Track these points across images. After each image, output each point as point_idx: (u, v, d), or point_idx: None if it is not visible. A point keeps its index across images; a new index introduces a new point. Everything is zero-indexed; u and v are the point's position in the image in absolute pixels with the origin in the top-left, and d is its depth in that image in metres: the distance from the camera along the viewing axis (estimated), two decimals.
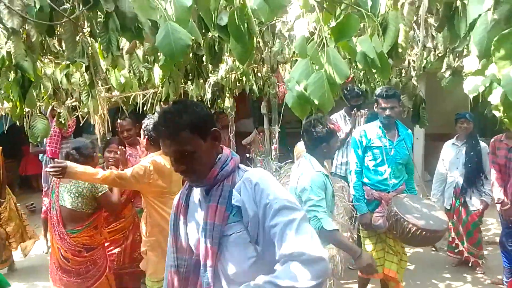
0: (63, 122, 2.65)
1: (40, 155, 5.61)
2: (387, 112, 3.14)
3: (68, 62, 2.05)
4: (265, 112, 4.19)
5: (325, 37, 1.17)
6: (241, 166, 1.50)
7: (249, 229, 1.37)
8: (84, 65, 2.17)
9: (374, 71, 1.34)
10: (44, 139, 5.20)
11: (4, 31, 1.41)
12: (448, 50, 2.16)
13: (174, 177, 2.95)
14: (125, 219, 3.44)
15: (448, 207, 4.38)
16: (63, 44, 1.74)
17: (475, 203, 4.19)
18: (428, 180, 7.79)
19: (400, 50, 1.47)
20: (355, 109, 4.27)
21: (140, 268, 3.25)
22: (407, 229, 2.83)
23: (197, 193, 1.52)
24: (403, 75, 3.22)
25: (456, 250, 4.41)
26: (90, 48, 2.07)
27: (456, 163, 4.33)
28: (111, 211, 3.19)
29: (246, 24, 1.56)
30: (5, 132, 5.35)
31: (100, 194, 2.95)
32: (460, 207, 4.30)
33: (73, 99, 2.85)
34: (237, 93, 3.96)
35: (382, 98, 3.15)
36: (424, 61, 3.33)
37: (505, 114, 1.48)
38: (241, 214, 1.37)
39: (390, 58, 1.48)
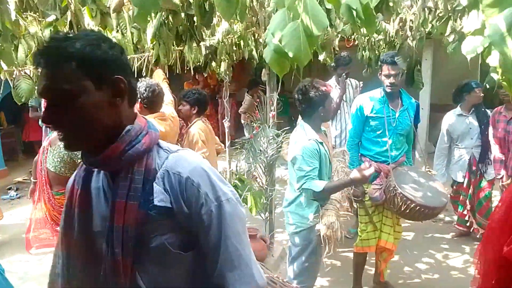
0: None
1: (40, 120, 5.59)
2: (391, 79, 2.96)
3: (49, 20, 1.96)
4: (265, 79, 4.08)
5: None
6: (163, 143, 1.08)
7: (181, 232, 1.01)
8: (68, 24, 2.10)
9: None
10: (43, 103, 5.18)
11: None
12: (449, 10, 2.03)
13: (170, 140, 2.95)
14: None
15: (461, 180, 4.29)
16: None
17: (490, 172, 4.11)
18: (433, 151, 7.72)
19: (391, 3, 1.37)
20: (343, 75, 4.16)
21: None
22: (405, 205, 2.77)
23: (100, 176, 1.07)
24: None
25: (467, 224, 4.36)
26: (72, 5, 1.99)
27: (470, 133, 4.19)
28: None
29: None
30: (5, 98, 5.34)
31: (79, 160, 2.93)
32: (477, 178, 4.19)
33: None
34: (235, 59, 3.86)
35: (386, 64, 2.95)
36: (430, 26, 3.20)
37: (503, 77, 1.40)
38: (168, 214, 0.99)
39: (380, 12, 1.38)
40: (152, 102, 2.95)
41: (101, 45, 0.95)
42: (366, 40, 4.25)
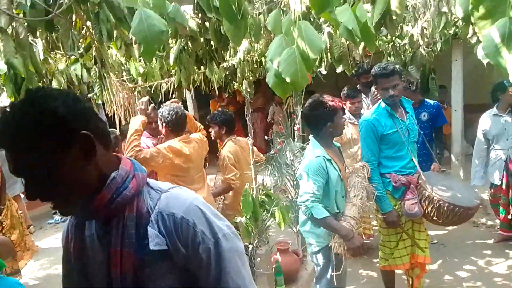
0: None
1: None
2: (390, 92, 2.79)
3: (75, 57, 2.10)
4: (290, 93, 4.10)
5: (300, 10, 1.12)
6: (153, 183, 1.05)
7: (181, 273, 0.99)
8: (93, 59, 2.24)
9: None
10: None
11: None
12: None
13: (195, 163, 3.05)
14: None
15: (498, 182, 4.13)
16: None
17: None
18: (471, 153, 7.41)
19: (394, 17, 1.37)
20: (372, 87, 4.09)
21: None
22: (441, 208, 2.71)
23: (92, 223, 1.04)
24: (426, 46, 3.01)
25: (511, 228, 4.18)
26: (95, 41, 2.13)
27: (505, 133, 4.05)
28: None
29: (237, 4, 1.54)
30: None
31: None
32: None
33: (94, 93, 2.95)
34: (258, 76, 3.93)
35: (382, 77, 2.79)
36: (453, 28, 3.13)
37: None
38: (165, 256, 0.96)
39: (383, 27, 1.39)
40: (176, 125, 3.06)
41: (51, 105, 0.89)
42: (390, 46, 4.18)
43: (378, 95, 4.32)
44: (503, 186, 4.11)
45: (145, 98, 3.02)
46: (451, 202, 2.71)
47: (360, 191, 2.57)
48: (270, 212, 3.10)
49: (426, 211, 2.81)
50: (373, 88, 4.43)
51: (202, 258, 0.97)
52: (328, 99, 2.54)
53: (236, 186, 3.50)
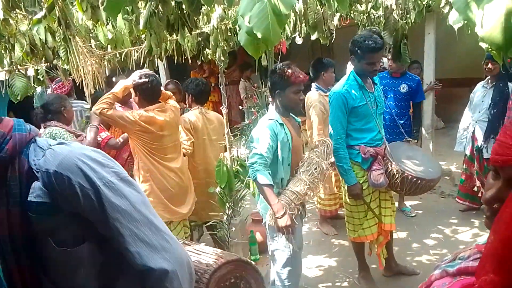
0: (41, 79, 2.63)
1: None
2: (375, 66, 2.78)
3: (38, 17, 1.98)
4: (266, 64, 4.07)
5: None
6: (40, 141, 1.03)
7: (72, 228, 0.99)
8: (56, 20, 2.11)
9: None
10: None
11: None
12: None
13: (170, 130, 3.02)
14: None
15: (468, 153, 4.24)
16: None
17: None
18: (441, 127, 7.61)
19: None
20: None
21: None
22: (404, 180, 2.83)
23: None
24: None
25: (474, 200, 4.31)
26: (59, 1, 2.01)
27: (480, 106, 4.09)
28: None
29: None
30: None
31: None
32: (479, 153, 4.10)
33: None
34: (232, 45, 3.84)
35: (370, 52, 2.67)
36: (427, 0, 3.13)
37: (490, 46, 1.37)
38: (50, 211, 0.96)
39: None
40: (150, 93, 2.96)
41: None
42: (365, 17, 4.16)
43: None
44: (467, 158, 4.24)
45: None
46: (413, 174, 2.83)
47: (312, 167, 2.50)
48: (244, 182, 3.11)
49: (391, 182, 2.90)
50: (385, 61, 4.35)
51: (87, 210, 0.97)
52: (288, 68, 2.46)
53: (187, 152, 3.42)
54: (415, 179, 2.81)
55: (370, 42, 2.64)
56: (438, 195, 4.93)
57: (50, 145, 1.01)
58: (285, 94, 2.48)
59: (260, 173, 2.38)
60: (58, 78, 3.77)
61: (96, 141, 3.13)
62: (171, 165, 3.05)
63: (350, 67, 4.43)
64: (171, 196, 3.04)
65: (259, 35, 1.05)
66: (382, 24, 4.42)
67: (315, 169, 2.48)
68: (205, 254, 1.45)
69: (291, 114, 2.65)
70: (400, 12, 2.02)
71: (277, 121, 2.49)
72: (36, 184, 0.96)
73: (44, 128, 3.05)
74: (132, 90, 2.98)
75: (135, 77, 2.96)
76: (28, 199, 0.95)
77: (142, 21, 2.52)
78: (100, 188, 0.97)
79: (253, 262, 1.45)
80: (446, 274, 0.86)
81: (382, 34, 2.21)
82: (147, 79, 2.90)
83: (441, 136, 6.63)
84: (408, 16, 3.35)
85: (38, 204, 0.95)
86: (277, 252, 2.60)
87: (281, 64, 2.49)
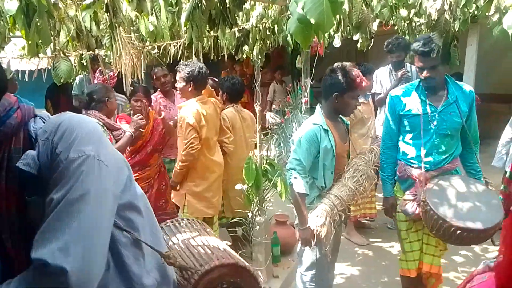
0: (85, 64, 2.70)
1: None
2: (425, 73, 2.43)
3: (87, 2, 2.04)
4: (300, 66, 4.05)
5: None
6: (44, 113, 1.01)
7: None
8: (104, 7, 2.17)
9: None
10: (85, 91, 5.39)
11: None
12: None
13: (209, 125, 3.16)
14: (151, 168, 3.51)
15: (509, 171, 4.04)
16: None
17: None
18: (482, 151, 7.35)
19: None
20: (403, 67, 3.99)
21: (165, 217, 3.43)
22: (439, 225, 2.25)
23: None
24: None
25: None
26: None
27: None
28: None
29: None
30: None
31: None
32: None
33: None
34: (269, 45, 3.85)
35: (418, 55, 2.43)
36: (474, 7, 3.03)
37: None
38: (39, 187, 0.91)
39: None
40: (199, 82, 3.11)
41: None
42: (406, 24, 4.09)
43: (406, 73, 4.19)
44: (507, 176, 4.06)
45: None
46: (456, 224, 2.20)
47: (358, 174, 2.42)
48: (272, 181, 3.09)
49: (426, 221, 2.39)
50: (409, 66, 4.28)
51: (54, 180, 0.89)
52: (354, 71, 2.36)
53: (228, 150, 3.47)
54: (453, 228, 2.20)
55: (419, 44, 2.41)
56: None
57: (53, 116, 0.99)
58: (343, 97, 2.38)
59: (297, 180, 2.34)
60: (100, 68, 3.87)
61: (126, 148, 3.23)
62: (215, 158, 3.19)
63: (379, 73, 4.37)
64: (213, 190, 3.21)
65: (313, 21, 1.03)
66: (423, 33, 4.36)
67: (361, 176, 2.41)
68: (203, 253, 1.36)
69: (340, 116, 2.56)
70: (449, 11, 1.97)
71: (321, 126, 2.41)
72: (30, 152, 0.91)
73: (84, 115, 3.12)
74: (182, 80, 3.13)
75: (187, 68, 3.11)
76: (17, 164, 0.89)
77: (185, 14, 2.56)
78: (73, 160, 0.89)
79: (252, 269, 1.33)
80: (488, 269, 0.88)
81: (431, 35, 2.14)
82: (200, 68, 3.07)
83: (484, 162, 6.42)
84: (452, 24, 3.26)
85: (25, 173, 0.89)
86: (304, 254, 2.56)
87: (344, 64, 2.39)
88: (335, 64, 2.43)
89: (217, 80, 4.18)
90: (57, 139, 0.90)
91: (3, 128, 0.91)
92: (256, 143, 3.17)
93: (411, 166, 2.55)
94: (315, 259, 2.49)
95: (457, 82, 2.55)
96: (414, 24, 3.97)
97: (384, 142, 2.69)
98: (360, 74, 2.41)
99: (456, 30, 3.35)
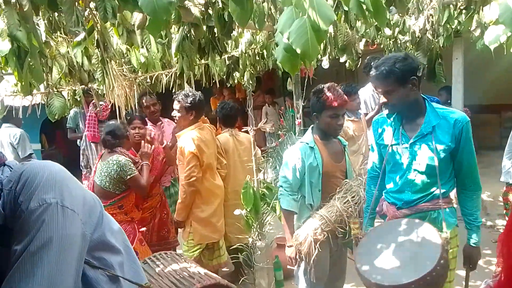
0: (78, 99, 2.73)
1: (78, 141, 5.79)
2: (382, 98, 2.12)
3: (78, 39, 2.08)
4: (291, 88, 4.11)
5: None
6: (12, 163, 1.00)
7: None
8: (95, 42, 2.21)
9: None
10: (81, 125, 5.40)
11: None
12: (470, 1, 1.98)
13: (210, 150, 3.24)
14: (153, 197, 3.50)
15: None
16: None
17: None
18: None
19: None
20: (373, 92, 4.06)
21: (167, 246, 3.41)
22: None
23: None
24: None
25: None
26: (98, 24, 2.10)
27: None
28: (140, 193, 3.25)
29: None
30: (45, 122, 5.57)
31: (128, 177, 3.05)
32: None
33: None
34: (259, 69, 3.91)
35: (372, 78, 2.13)
36: (456, 22, 3.11)
37: None
38: (6, 237, 0.91)
39: (393, 5, 1.38)
40: (199, 110, 3.23)
41: None
42: (391, 42, 4.18)
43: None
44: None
45: None
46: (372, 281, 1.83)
47: (349, 195, 2.39)
48: (270, 205, 3.08)
49: None
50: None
51: (19, 227, 0.90)
52: (327, 91, 2.38)
53: (222, 175, 3.50)
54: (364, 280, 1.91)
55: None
56: None
57: (19, 165, 0.99)
58: (321, 117, 2.42)
59: (283, 197, 2.40)
60: (94, 101, 3.91)
61: (149, 177, 3.31)
62: (217, 182, 3.27)
63: (362, 93, 4.42)
64: (218, 214, 3.27)
65: (298, 51, 1.06)
66: (409, 50, 4.46)
67: (352, 197, 2.38)
68: (186, 276, 1.41)
69: (338, 136, 2.60)
70: (431, 33, 2.01)
71: (307, 143, 2.45)
72: None
73: (109, 153, 3.18)
74: (183, 109, 3.21)
75: (188, 98, 3.19)
76: None
77: (175, 45, 2.61)
78: (30, 209, 0.90)
79: (234, 287, 1.35)
80: None
81: (415, 54, 2.17)
82: (200, 97, 3.19)
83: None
84: (436, 40, 3.34)
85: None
86: (299, 277, 2.56)
87: (322, 86, 2.44)
88: (317, 86, 2.49)
89: None
90: (19, 188, 0.91)
91: None
92: (253, 167, 3.19)
93: (387, 201, 2.27)
94: (308, 283, 2.48)
95: (444, 108, 2.13)
96: (399, 41, 4.06)
97: (368, 172, 2.45)
98: (337, 93, 2.39)
99: (441, 45, 3.44)
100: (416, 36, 3.65)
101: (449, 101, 5.54)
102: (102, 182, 3.03)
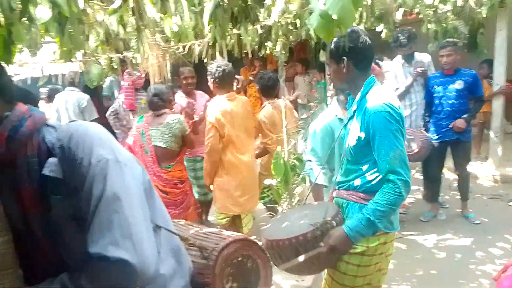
0: (114, 67, 2.79)
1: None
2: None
3: (114, 6, 2.10)
4: (323, 59, 4.04)
5: None
6: (53, 122, 1.07)
7: (80, 205, 0.98)
8: (131, 10, 2.23)
9: None
10: (116, 93, 5.52)
11: None
12: None
13: (236, 123, 3.22)
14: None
15: None
16: None
17: None
18: (510, 132, 7.08)
19: None
20: (420, 65, 3.94)
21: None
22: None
23: None
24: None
25: None
26: None
27: None
28: (191, 147, 3.51)
29: None
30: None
31: (186, 133, 3.31)
32: None
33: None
34: (292, 39, 3.83)
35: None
36: None
37: None
38: (62, 187, 0.98)
39: None
40: (223, 81, 3.19)
41: None
42: (431, 12, 3.98)
43: (423, 70, 4.15)
44: None
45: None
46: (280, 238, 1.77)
47: None
48: (300, 176, 3.10)
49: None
50: (417, 56, 4.24)
51: (82, 186, 0.97)
52: None
53: (272, 150, 3.52)
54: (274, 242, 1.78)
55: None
56: (506, 203, 4.61)
57: (65, 124, 1.07)
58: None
59: (312, 171, 2.37)
60: (128, 70, 3.99)
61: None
62: (242, 158, 3.23)
63: (392, 68, 4.29)
64: (241, 189, 3.23)
65: (334, 16, 1.04)
66: (450, 20, 4.24)
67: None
68: (213, 234, 1.49)
69: None
70: (475, 1, 1.89)
71: (336, 115, 2.41)
72: (52, 159, 0.99)
73: (157, 116, 3.31)
74: (208, 77, 3.28)
75: (214, 69, 3.24)
76: (42, 172, 0.97)
77: (207, 13, 2.60)
78: (93, 165, 0.98)
79: (259, 243, 1.47)
80: None
81: (458, 23, 2.07)
82: (222, 69, 3.19)
83: (509, 141, 6.20)
84: (479, 10, 3.16)
85: (52, 179, 0.97)
86: None
87: None
88: None
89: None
90: (73, 146, 0.99)
91: (17, 135, 0.98)
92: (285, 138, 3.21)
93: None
94: None
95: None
96: (439, 11, 3.86)
97: None
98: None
99: (484, 16, 3.25)
100: (458, 5, 3.46)
101: (490, 75, 5.29)
102: (168, 143, 3.23)
